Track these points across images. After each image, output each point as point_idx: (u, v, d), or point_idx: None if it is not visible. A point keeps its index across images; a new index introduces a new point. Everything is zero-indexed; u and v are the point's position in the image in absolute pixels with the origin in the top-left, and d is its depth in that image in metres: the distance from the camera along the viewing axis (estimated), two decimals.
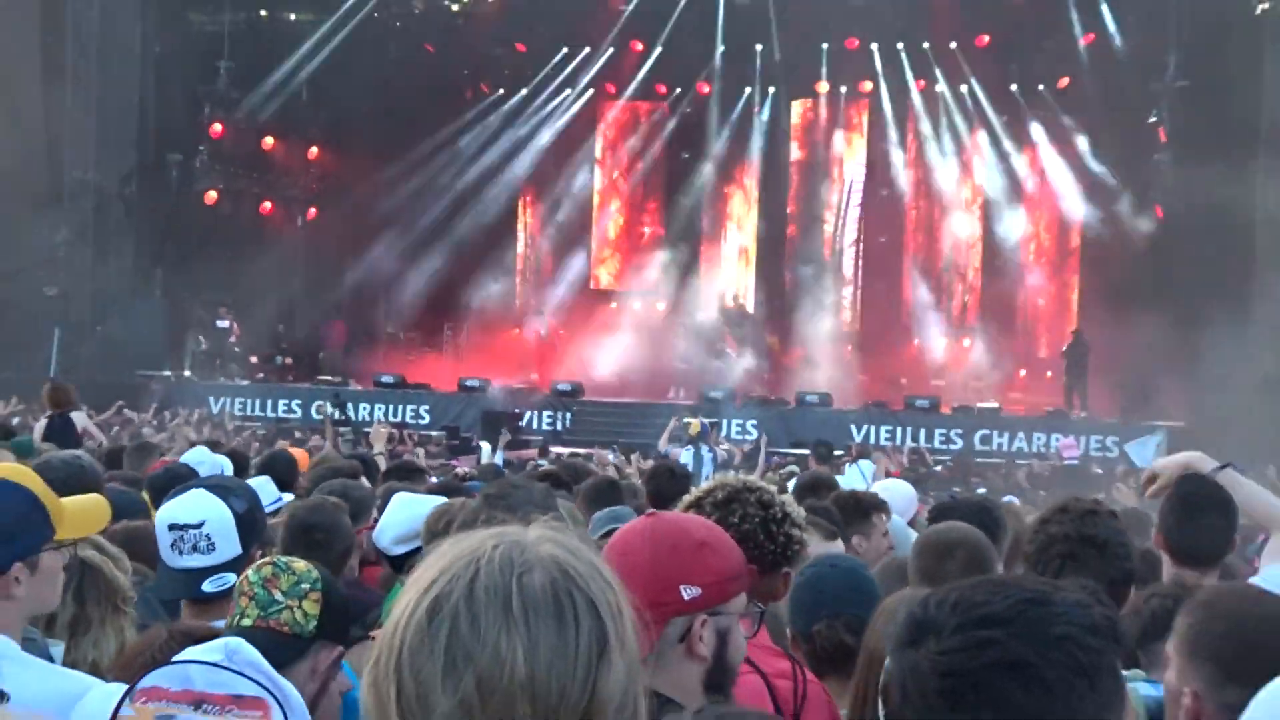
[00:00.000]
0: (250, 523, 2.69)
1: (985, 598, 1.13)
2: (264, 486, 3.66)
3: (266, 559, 2.29)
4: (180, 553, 2.59)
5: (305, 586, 2.11)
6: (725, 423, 14.28)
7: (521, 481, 3.61)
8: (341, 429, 12.83)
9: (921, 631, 1.13)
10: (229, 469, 4.69)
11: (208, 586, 2.52)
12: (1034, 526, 2.90)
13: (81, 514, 2.27)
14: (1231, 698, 1.66)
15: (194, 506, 2.63)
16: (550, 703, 0.97)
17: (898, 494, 4.68)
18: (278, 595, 2.12)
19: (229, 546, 2.60)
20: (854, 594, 2.48)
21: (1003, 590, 1.14)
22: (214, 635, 1.85)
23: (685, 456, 10.81)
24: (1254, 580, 2.86)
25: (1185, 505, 3.07)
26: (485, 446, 12.69)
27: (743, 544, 1.98)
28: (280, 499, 3.97)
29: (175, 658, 1.73)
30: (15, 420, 10.34)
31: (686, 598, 1.75)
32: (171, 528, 2.59)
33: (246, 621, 2.09)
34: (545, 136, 18.72)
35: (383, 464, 6.55)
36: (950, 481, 11.68)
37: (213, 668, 1.62)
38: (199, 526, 2.58)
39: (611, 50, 17.84)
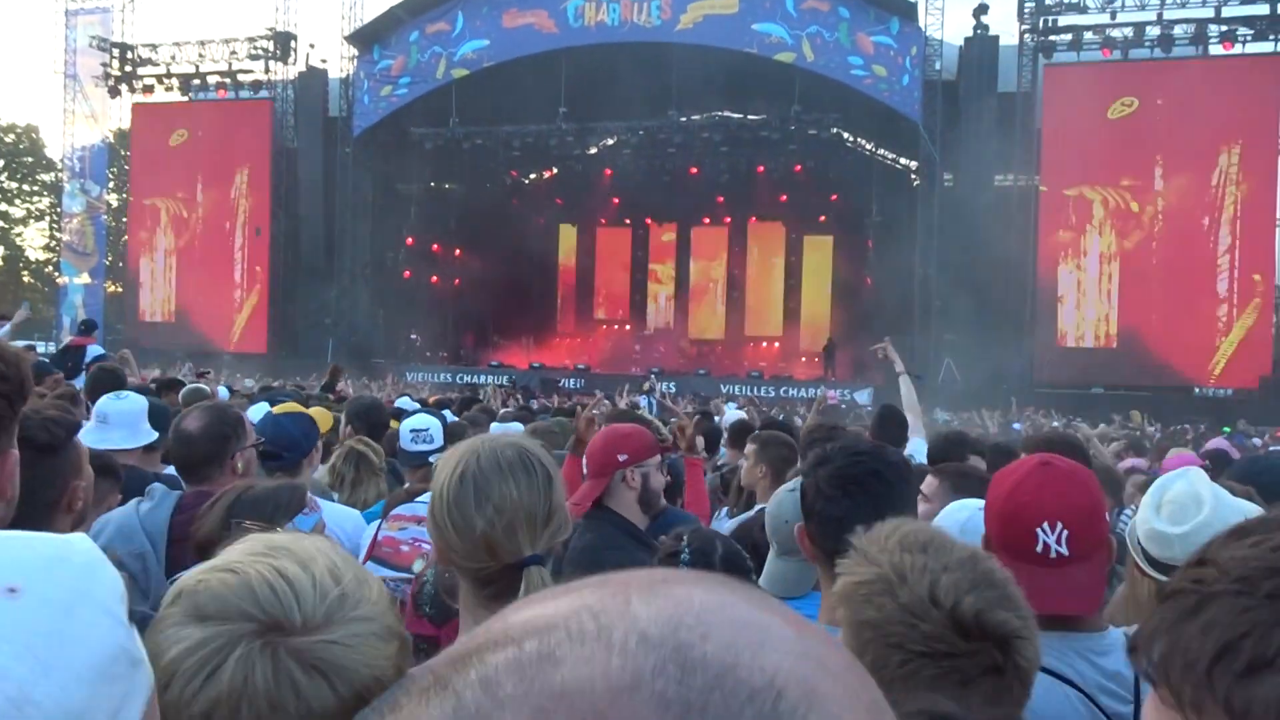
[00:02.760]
0: (450, 430, 4.20)
1: (855, 443, 1.99)
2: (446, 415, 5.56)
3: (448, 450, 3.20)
4: (416, 443, 4.08)
5: None
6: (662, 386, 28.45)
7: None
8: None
9: (822, 460, 1.90)
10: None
11: (431, 459, 3.61)
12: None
13: (323, 420, 3.75)
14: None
15: (424, 420, 4.19)
16: (531, 511, 1.62)
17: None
18: None
19: (439, 439, 4.07)
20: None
21: (862, 442, 2.13)
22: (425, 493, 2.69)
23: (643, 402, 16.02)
24: (910, 452, 4.44)
25: (881, 417, 5.30)
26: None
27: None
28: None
29: (409, 501, 2.92)
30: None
31: (621, 460, 2.92)
32: (412, 430, 4.12)
33: None
34: None
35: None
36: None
37: (426, 505, 2.13)
38: (427, 429, 4.12)
39: None
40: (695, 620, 0.39)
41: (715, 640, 0.38)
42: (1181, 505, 1.99)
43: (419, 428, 4.14)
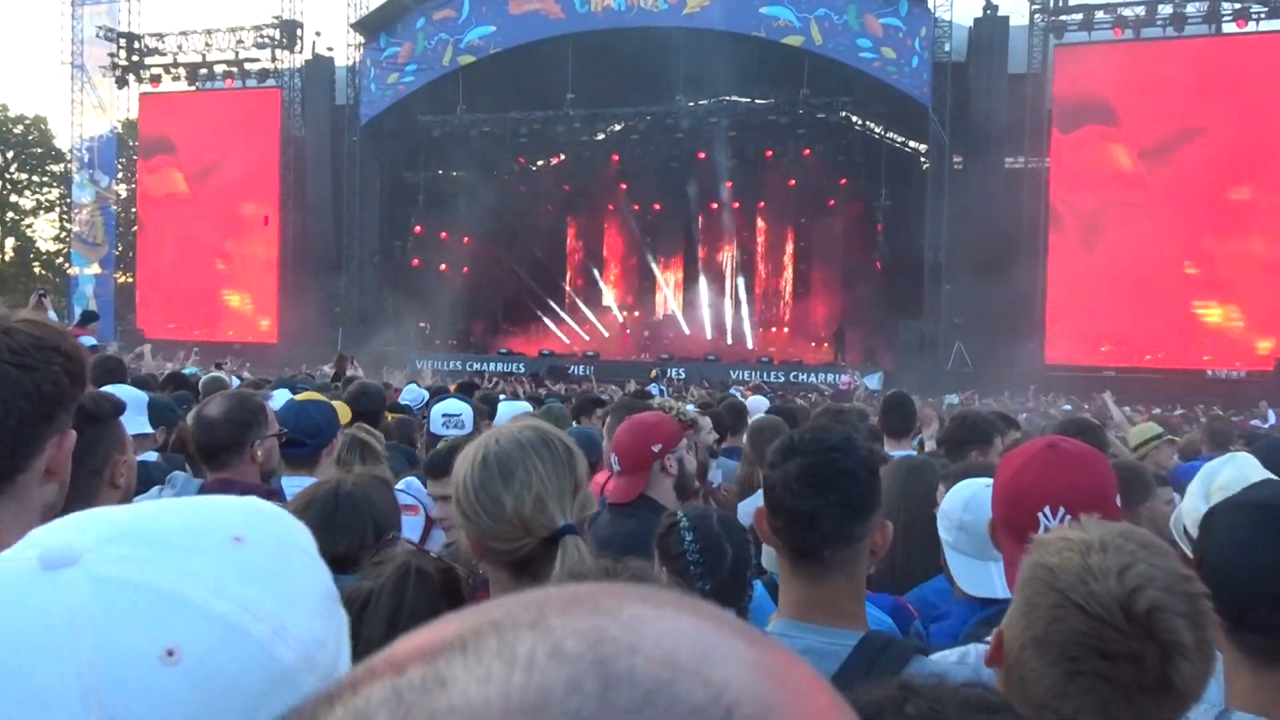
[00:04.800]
0: (478, 411, 4.65)
1: (825, 435, 1.82)
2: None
3: (443, 440, 3.83)
4: (449, 427, 4.26)
5: None
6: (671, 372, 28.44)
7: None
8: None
9: (790, 452, 1.78)
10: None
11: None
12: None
13: (343, 412, 3.87)
14: None
15: (456, 405, 4.46)
16: (555, 488, 1.65)
17: (757, 405, 7.50)
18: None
19: (470, 425, 4.30)
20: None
21: (830, 431, 1.86)
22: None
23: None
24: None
25: (888, 404, 5.29)
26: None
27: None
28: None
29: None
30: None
31: (655, 450, 2.99)
32: (445, 415, 4.36)
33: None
34: None
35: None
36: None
37: (399, 491, 2.89)
38: (459, 415, 4.36)
39: None
40: (623, 631, 0.33)
41: (648, 652, 0.32)
42: (1231, 492, 1.92)
43: (451, 412, 4.24)
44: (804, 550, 1.75)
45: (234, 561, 0.66)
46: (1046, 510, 1.79)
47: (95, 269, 34.09)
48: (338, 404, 4.16)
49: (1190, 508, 2.03)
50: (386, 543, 2.21)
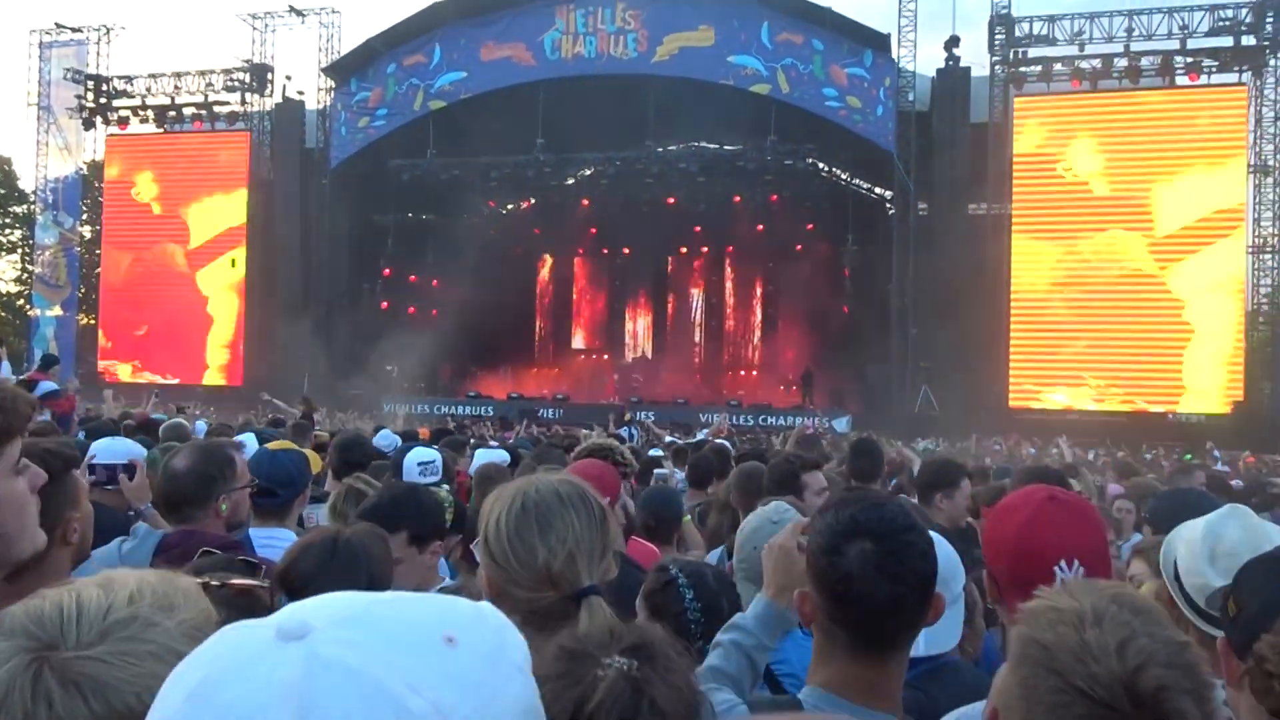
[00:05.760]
0: (447, 466, 4.49)
1: (889, 514, 1.65)
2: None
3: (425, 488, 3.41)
4: (425, 475, 4.20)
5: (447, 505, 3.11)
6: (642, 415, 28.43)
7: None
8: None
9: (855, 533, 1.60)
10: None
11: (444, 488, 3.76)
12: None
13: (314, 460, 3.96)
14: None
15: (429, 453, 4.49)
16: (589, 546, 1.65)
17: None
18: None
19: (441, 472, 4.39)
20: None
21: (886, 507, 1.69)
22: None
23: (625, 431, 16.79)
24: None
25: (855, 449, 5.53)
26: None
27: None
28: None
29: None
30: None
31: None
32: (420, 463, 4.34)
33: None
34: None
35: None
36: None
37: None
38: (433, 462, 4.38)
39: None
40: None
41: None
42: (1240, 559, 1.85)
43: (426, 460, 4.21)
44: (878, 639, 1.63)
45: (441, 662, 0.69)
46: (1062, 564, 1.77)
47: (57, 310, 33.64)
48: (309, 452, 4.14)
49: (1193, 569, 1.92)
50: None
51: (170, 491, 2.76)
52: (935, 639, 2.02)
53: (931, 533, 2.21)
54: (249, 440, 4.30)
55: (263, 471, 3.11)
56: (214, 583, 1.47)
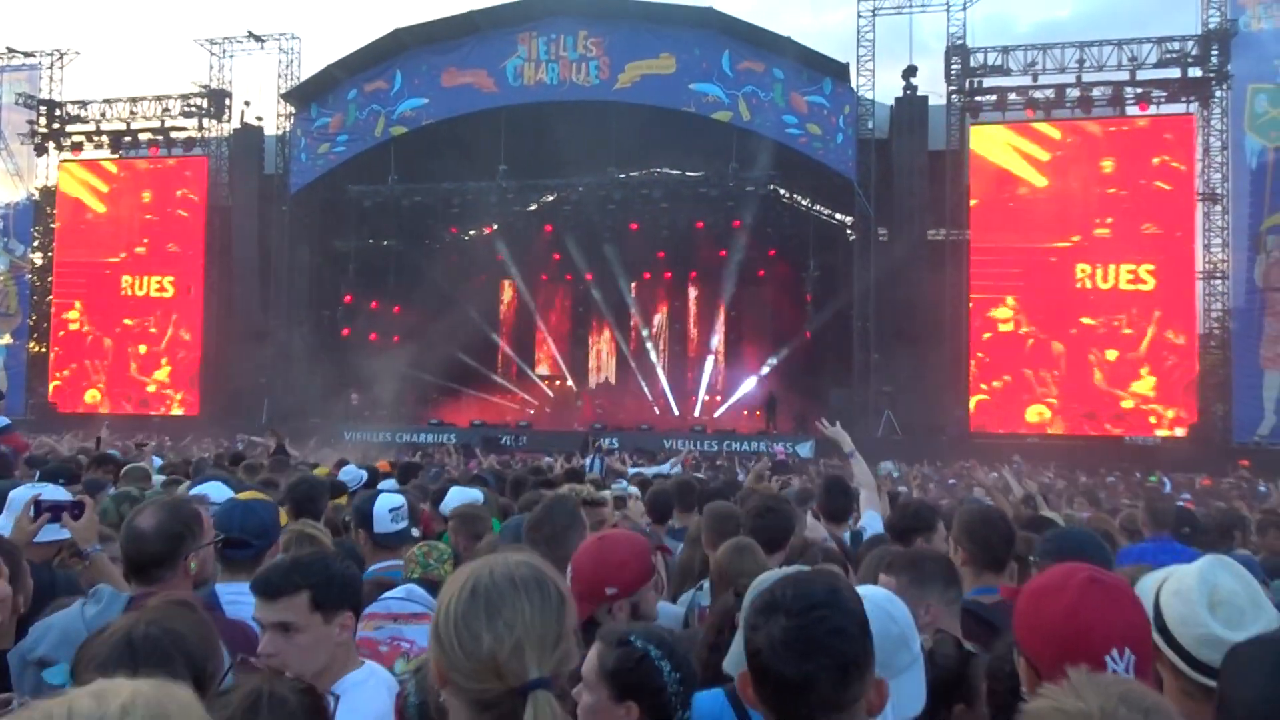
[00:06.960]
0: (413, 508, 4.39)
1: (807, 589, 1.62)
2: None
3: (424, 542, 3.61)
4: (396, 521, 4.12)
5: (446, 557, 3.25)
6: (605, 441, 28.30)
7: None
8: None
9: (771, 610, 1.60)
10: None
11: (415, 532, 4.23)
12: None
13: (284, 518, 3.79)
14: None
15: (397, 499, 4.26)
16: (542, 632, 1.55)
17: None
18: (432, 562, 3.31)
19: (410, 520, 4.26)
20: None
21: (813, 583, 1.65)
22: (395, 585, 3.03)
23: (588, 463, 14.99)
24: (863, 524, 4.83)
25: (828, 488, 5.26)
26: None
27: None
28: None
29: (381, 597, 2.95)
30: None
31: (609, 594, 2.63)
32: (390, 510, 4.14)
33: (415, 575, 3.25)
34: None
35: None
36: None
37: (402, 600, 2.71)
38: (401, 507, 4.18)
39: None
40: None
41: None
42: (1239, 608, 1.84)
43: (395, 506, 4.06)
44: (795, 717, 1.60)
45: None
46: (1114, 653, 1.69)
47: (7, 339, 32.88)
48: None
49: (1190, 618, 1.88)
50: (239, 666, 2.04)
51: (136, 553, 2.66)
52: (900, 707, 1.92)
53: (884, 594, 2.14)
54: (214, 490, 4.17)
55: (235, 522, 3.00)
56: None
